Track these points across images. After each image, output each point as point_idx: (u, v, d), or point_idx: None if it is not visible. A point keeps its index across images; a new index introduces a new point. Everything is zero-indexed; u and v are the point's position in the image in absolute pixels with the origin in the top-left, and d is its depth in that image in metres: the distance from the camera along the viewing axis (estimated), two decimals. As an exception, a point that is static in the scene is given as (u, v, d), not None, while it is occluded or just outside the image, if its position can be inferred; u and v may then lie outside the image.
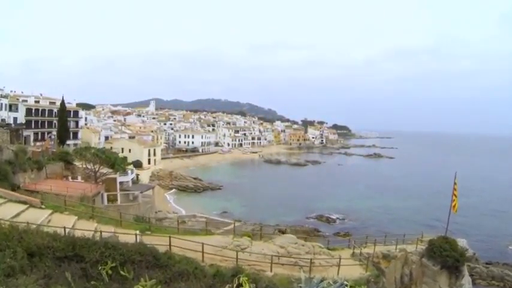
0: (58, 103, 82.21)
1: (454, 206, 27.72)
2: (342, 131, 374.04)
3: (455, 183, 27.93)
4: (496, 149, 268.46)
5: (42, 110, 69.35)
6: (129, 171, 45.67)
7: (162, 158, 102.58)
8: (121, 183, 45.15)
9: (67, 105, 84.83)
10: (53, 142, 50.20)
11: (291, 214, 61.46)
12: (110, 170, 45.34)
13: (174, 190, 72.09)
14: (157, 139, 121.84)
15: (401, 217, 62.70)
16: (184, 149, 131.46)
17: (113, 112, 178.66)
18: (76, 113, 77.36)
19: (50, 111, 71.10)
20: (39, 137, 69.09)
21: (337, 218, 59.16)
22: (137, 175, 73.83)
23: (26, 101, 70.61)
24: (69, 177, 45.03)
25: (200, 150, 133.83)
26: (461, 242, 36.27)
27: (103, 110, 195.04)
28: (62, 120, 52.97)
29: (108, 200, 43.42)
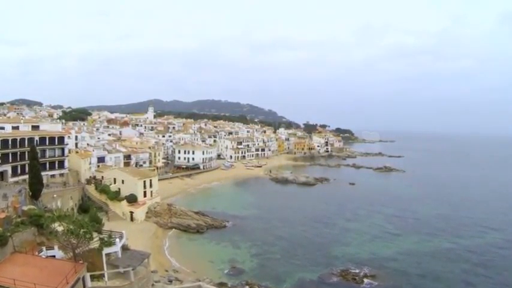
0: (42, 126, 73.43)
1: None
2: (345, 134, 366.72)
3: None
4: (507, 156, 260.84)
5: (21, 139, 59.95)
6: (117, 239, 36.46)
7: (159, 179, 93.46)
8: (108, 254, 36.14)
9: (51, 127, 75.57)
10: (23, 197, 40.95)
11: (310, 267, 52.72)
12: (94, 236, 36.22)
13: (173, 231, 63.02)
14: (154, 156, 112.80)
15: (437, 269, 54.19)
16: (184, 166, 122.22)
17: (109, 121, 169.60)
18: (61, 139, 68.07)
19: (31, 139, 61.72)
20: (19, 171, 60.04)
21: (364, 276, 50.34)
22: (131, 213, 65.19)
23: (3, 128, 61.37)
24: (44, 248, 36.06)
25: (201, 167, 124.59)
26: None
27: (99, 118, 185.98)
28: (34, 169, 43.24)
29: (93, 278, 34.46)
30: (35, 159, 43.87)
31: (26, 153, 60.03)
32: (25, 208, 38.12)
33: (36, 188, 42.64)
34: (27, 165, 60.02)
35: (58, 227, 33.86)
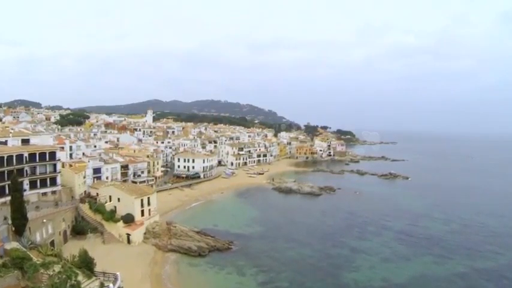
0: (33, 140, 69.23)
1: None
2: (346, 136, 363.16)
3: None
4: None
5: (8, 157, 55.72)
6: (111, 284, 32.47)
7: (158, 191, 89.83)
8: (100, 301, 32.24)
9: (42, 141, 71.02)
10: (6, 231, 36.77)
11: (322, 298, 48.76)
12: (84, 282, 32.28)
13: (173, 254, 58.91)
14: (153, 165, 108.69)
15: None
16: (183, 175, 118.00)
17: (107, 125, 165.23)
18: (52, 155, 63.78)
19: (19, 156, 57.59)
20: (7, 191, 55.82)
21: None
22: (128, 235, 61.10)
23: (-10, 144, 57.18)
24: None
25: (202, 176, 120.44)
26: None
27: (97, 121, 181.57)
28: (16, 202, 38.85)
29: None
30: (17, 191, 39.54)
31: (15, 171, 56.09)
32: (8, 247, 34.06)
33: (19, 223, 38.47)
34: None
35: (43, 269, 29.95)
